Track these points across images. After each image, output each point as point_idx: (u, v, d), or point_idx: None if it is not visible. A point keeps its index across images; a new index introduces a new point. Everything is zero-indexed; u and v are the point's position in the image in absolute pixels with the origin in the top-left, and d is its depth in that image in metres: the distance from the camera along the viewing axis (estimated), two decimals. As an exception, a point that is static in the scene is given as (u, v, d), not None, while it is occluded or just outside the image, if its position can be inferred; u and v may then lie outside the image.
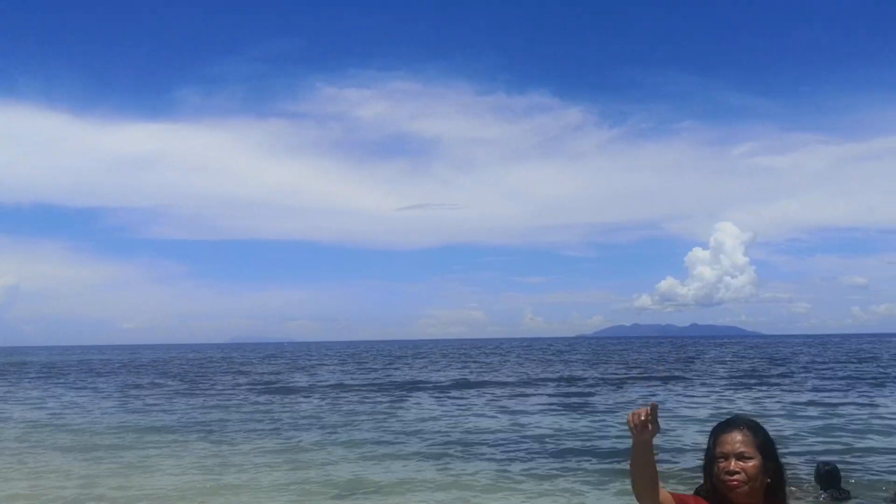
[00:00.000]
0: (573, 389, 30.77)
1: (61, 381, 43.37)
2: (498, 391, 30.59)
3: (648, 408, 3.01)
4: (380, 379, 40.19)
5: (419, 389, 32.35)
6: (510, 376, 40.41)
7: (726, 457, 3.09)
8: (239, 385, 36.53)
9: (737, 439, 3.11)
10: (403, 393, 30.47)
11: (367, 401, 27.16)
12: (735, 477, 3.05)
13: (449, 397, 28.30)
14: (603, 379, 36.87)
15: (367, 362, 64.01)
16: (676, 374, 39.66)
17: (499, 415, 22.23)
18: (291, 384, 37.05)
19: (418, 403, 26.09)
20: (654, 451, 3.06)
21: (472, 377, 40.12)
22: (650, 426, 2.98)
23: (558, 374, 41.38)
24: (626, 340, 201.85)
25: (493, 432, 18.49)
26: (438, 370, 48.52)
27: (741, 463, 3.06)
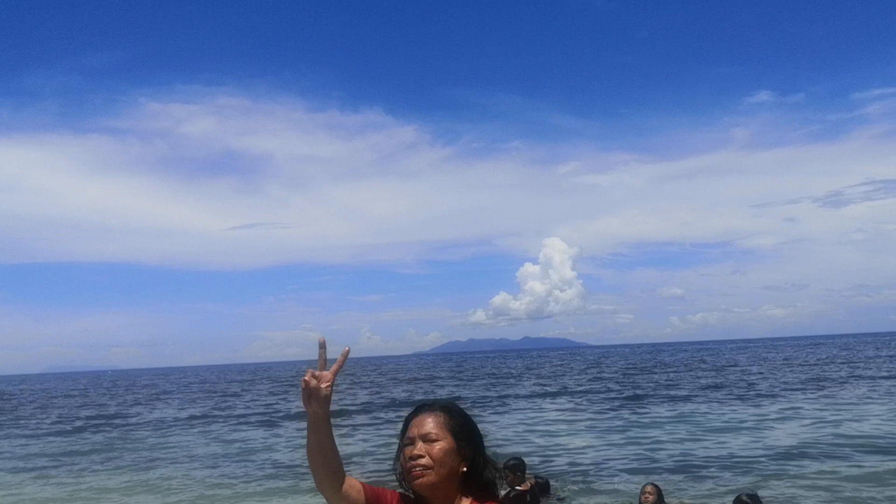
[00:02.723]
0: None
1: None
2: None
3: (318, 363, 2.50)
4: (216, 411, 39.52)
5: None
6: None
7: (412, 441, 2.59)
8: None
9: (426, 421, 2.62)
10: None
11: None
12: (419, 461, 2.54)
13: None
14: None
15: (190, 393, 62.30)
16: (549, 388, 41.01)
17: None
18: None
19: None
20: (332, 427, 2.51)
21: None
22: (321, 389, 2.43)
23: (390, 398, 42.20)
24: (462, 356, 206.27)
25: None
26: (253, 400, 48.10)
27: (427, 446, 2.56)
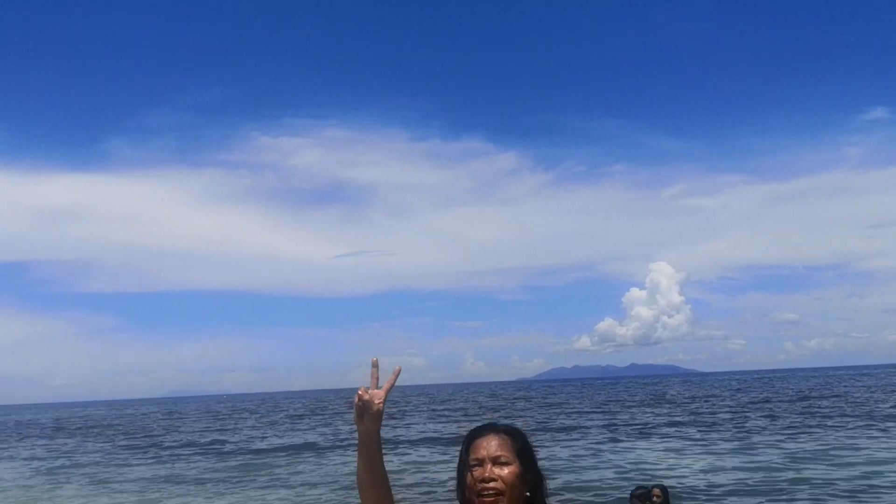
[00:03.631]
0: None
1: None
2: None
3: (372, 380, 2.49)
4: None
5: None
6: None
7: (481, 462, 2.52)
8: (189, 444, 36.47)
9: (493, 443, 2.55)
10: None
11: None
12: (490, 485, 2.47)
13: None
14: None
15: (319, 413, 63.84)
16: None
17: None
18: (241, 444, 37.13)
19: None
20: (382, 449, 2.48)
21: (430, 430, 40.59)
22: (373, 405, 2.41)
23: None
24: (572, 383, 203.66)
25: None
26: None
27: (497, 469, 2.50)
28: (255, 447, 33.91)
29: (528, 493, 2.54)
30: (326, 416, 60.60)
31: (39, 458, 33.25)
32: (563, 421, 42.18)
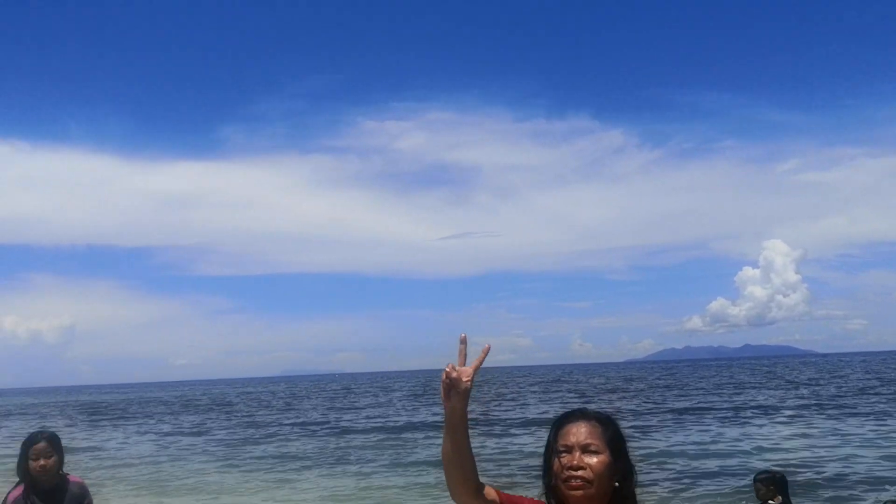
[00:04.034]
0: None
1: (144, 421, 44.82)
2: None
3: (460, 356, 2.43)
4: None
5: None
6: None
7: (569, 449, 2.44)
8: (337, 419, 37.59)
9: (583, 430, 2.47)
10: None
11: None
12: (579, 473, 2.39)
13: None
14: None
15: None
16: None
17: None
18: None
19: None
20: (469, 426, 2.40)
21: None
22: (461, 383, 2.36)
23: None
24: (684, 363, 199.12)
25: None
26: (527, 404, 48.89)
27: (587, 458, 2.42)
28: (373, 425, 34.57)
29: (616, 484, 2.46)
30: (438, 397, 61.15)
31: (169, 434, 34.94)
32: (679, 403, 41.19)
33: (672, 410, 35.94)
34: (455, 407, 2.36)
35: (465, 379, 2.36)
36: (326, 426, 35.63)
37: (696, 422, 30.17)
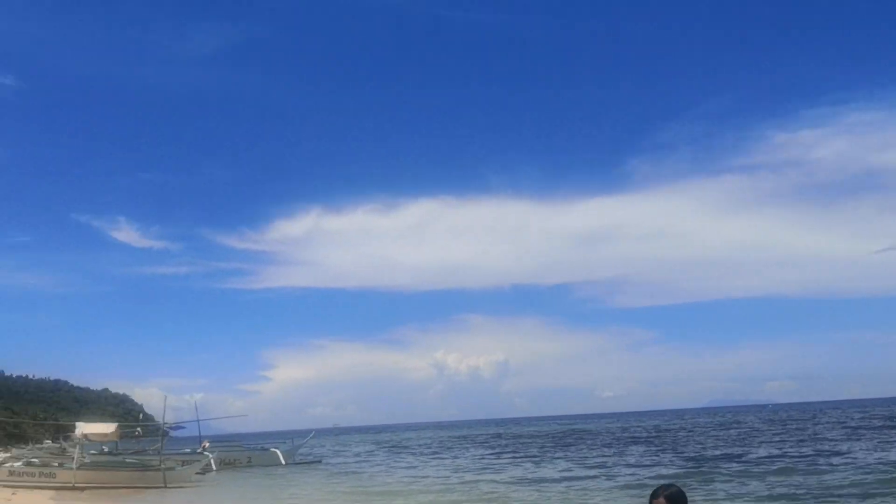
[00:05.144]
0: None
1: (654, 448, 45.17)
2: None
3: None
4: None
5: None
6: None
7: None
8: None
9: None
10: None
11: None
12: None
13: None
14: None
15: None
16: None
17: None
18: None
19: None
20: None
21: None
22: None
23: None
24: None
25: None
26: None
27: None
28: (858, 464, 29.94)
29: None
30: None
31: (628, 466, 33.97)
32: None
33: None
34: None
35: None
36: (789, 460, 31.77)
37: None
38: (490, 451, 53.02)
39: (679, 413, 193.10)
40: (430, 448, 63.87)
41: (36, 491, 29.47)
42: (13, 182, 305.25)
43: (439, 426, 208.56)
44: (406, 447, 68.57)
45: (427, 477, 32.98)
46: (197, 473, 35.80)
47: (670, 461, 35.44)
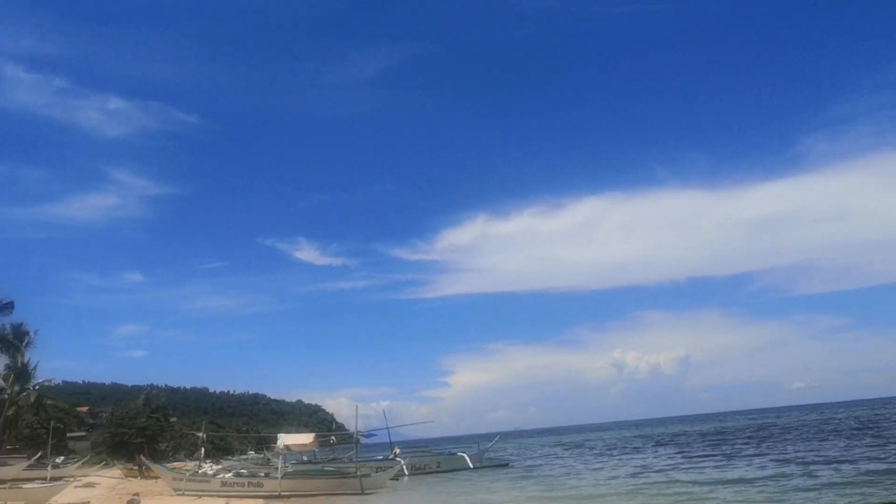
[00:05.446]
0: None
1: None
2: None
3: None
4: None
5: None
6: None
7: None
8: None
9: None
10: None
11: None
12: None
13: None
14: None
15: None
16: None
17: None
18: None
19: None
20: None
21: None
22: None
23: None
24: None
25: None
26: None
27: None
28: None
29: None
30: None
31: (829, 462, 32.02)
32: None
33: None
34: None
35: None
36: None
37: None
38: (677, 450, 51.62)
39: (884, 402, 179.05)
40: (614, 448, 63.03)
41: (246, 500, 31.71)
42: (204, 212, 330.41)
43: (622, 425, 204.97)
44: (590, 448, 67.99)
45: (616, 478, 32.59)
46: (390, 479, 37.30)
47: (878, 456, 33.07)
